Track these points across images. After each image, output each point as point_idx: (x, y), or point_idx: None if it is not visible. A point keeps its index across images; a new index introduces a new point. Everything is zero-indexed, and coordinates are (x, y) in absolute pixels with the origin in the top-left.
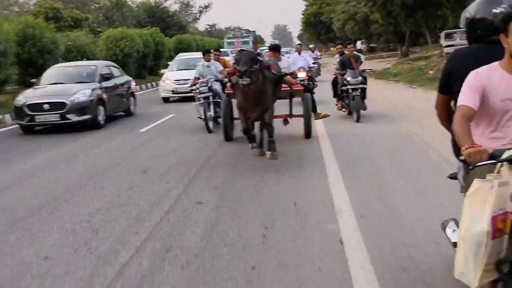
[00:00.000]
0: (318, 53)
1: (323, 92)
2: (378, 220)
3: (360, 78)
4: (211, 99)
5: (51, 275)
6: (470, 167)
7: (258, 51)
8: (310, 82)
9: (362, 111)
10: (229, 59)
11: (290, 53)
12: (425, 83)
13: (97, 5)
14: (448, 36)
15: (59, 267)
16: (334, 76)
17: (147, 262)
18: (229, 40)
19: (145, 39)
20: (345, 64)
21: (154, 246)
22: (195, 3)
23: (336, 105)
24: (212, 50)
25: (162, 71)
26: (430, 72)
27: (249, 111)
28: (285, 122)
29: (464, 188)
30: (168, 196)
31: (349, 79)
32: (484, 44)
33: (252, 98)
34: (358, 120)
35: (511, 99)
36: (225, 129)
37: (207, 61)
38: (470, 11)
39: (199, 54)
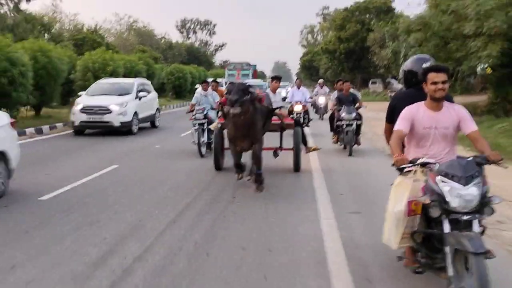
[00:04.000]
0: (327, 89)
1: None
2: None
3: (354, 114)
4: (205, 126)
5: None
6: (396, 168)
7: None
8: (306, 116)
9: (356, 146)
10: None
11: (288, 87)
12: None
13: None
14: (373, 83)
15: None
16: (332, 111)
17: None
18: (230, 72)
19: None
20: (342, 101)
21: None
22: (211, 42)
23: (332, 139)
24: (210, 80)
25: None
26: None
27: (239, 141)
28: (275, 154)
29: None
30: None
31: (343, 115)
32: (415, 89)
33: (242, 128)
34: (350, 154)
35: (429, 127)
36: (215, 158)
37: (204, 90)
38: (407, 65)
39: None
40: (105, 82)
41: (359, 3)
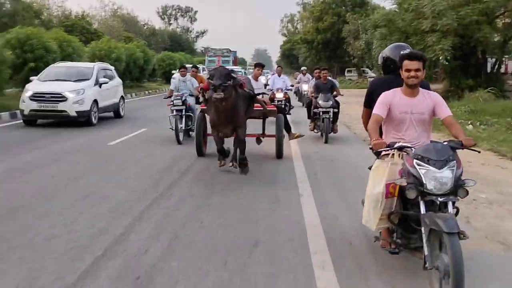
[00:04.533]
0: (310, 77)
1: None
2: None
3: (331, 102)
4: (183, 112)
5: None
6: (374, 152)
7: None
8: (287, 103)
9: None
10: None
11: (269, 75)
12: None
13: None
14: (349, 71)
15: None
16: (310, 99)
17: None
18: (210, 58)
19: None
20: (319, 88)
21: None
22: (193, 29)
23: (309, 126)
24: (190, 66)
25: None
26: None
27: (221, 127)
28: (258, 141)
29: None
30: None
31: (320, 102)
32: (393, 75)
33: (224, 114)
34: (326, 141)
35: (405, 112)
36: (197, 144)
37: (182, 76)
38: (385, 52)
39: None
40: (60, 65)
41: None
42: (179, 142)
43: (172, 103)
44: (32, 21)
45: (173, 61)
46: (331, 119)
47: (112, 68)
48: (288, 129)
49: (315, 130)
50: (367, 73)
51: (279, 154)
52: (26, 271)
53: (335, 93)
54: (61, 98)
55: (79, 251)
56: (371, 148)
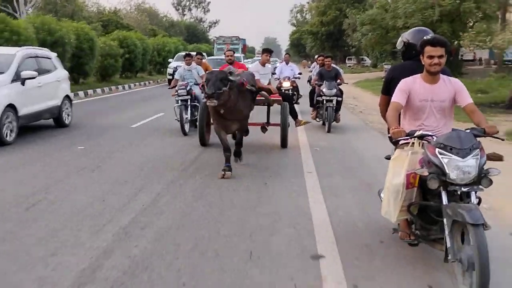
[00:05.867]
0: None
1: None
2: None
3: (335, 90)
4: (189, 102)
5: None
6: (393, 140)
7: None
8: (294, 92)
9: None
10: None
11: (277, 63)
12: None
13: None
14: (349, 59)
15: None
16: (313, 86)
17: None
18: (219, 46)
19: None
20: (323, 76)
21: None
22: (206, 19)
23: (311, 114)
24: (194, 54)
25: None
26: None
27: (225, 127)
28: (263, 129)
29: None
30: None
31: (324, 90)
32: (413, 61)
33: (225, 117)
34: (329, 131)
35: (426, 100)
36: (200, 134)
37: (188, 65)
38: (406, 37)
39: None
40: None
41: None
42: (184, 133)
43: (176, 93)
44: (79, 19)
45: (202, 51)
46: (334, 108)
47: (53, 55)
48: (294, 116)
49: (317, 119)
50: (365, 60)
51: (284, 143)
52: None
53: (339, 81)
54: None
55: None
56: (390, 137)
